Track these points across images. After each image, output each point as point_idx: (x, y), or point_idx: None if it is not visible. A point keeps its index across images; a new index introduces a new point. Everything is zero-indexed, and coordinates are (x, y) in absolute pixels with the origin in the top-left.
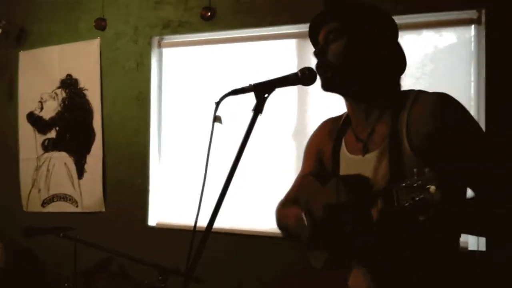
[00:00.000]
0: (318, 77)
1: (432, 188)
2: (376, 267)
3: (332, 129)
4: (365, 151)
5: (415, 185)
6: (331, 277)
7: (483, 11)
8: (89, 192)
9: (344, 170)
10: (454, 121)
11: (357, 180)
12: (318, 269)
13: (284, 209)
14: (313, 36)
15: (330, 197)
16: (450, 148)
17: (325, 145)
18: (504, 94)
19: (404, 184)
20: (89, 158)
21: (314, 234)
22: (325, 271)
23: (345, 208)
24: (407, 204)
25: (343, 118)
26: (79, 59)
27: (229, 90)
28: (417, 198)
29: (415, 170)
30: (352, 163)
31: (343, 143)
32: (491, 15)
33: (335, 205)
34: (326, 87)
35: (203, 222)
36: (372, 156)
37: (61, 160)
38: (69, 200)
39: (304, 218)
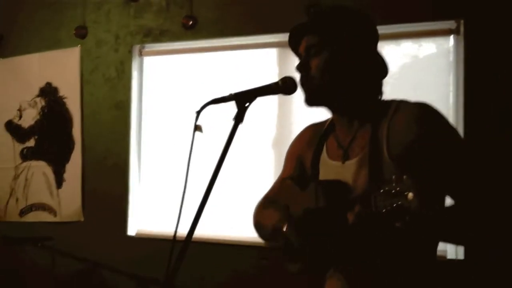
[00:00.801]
0: (299, 87)
1: (410, 195)
2: (351, 273)
3: (314, 135)
4: (345, 158)
5: (393, 191)
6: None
7: (462, 21)
8: (68, 201)
9: (323, 175)
10: (434, 130)
11: (336, 185)
12: (294, 274)
13: (263, 211)
14: (293, 46)
15: (308, 201)
16: (430, 157)
17: (306, 150)
18: (482, 104)
19: (382, 190)
20: (68, 167)
21: (291, 239)
22: (301, 276)
23: (323, 213)
24: (384, 210)
25: (328, 123)
26: (59, 67)
27: (210, 99)
28: (395, 204)
29: (393, 176)
30: (332, 169)
31: (324, 149)
32: (469, 26)
33: (313, 209)
34: (310, 102)
35: (183, 231)
36: (352, 163)
37: (40, 169)
38: (48, 209)
39: (285, 230)
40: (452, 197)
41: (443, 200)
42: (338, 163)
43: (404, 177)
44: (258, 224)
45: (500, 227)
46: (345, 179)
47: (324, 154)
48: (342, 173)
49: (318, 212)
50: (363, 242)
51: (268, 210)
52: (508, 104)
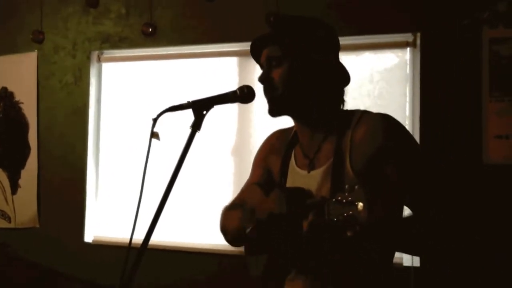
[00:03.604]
0: (257, 96)
1: (360, 205)
2: (311, 277)
3: (282, 141)
4: (311, 167)
5: (345, 201)
6: None
7: (418, 34)
8: (23, 207)
9: (291, 183)
10: (397, 142)
11: (299, 193)
12: (256, 278)
13: (229, 213)
14: (255, 56)
15: (272, 207)
16: (391, 167)
17: (274, 156)
18: (437, 114)
19: (335, 199)
20: (24, 173)
21: (254, 242)
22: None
23: (283, 219)
24: (335, 219)
25: (293, 131)
26: (15, 72)
27: (167, 106)
28: (345, 214)
29: (346, 186)
30: (299, 177)
31: (292, 156)
32: (425, 39)
33: (275, 215)
34: (273, 112)
35: (140, 238)
36: (317, 174)
37: None
38: (2, 216)
39: (241, 220)
40: (410, 207)
41: (401, 211)
42: (305, 172)
43: (356, 187)
44: (224, 227)
45: (455, 237)
46: (311, 188)
47: (292, 162)
48: (308, 182)
49: (279, 218)
50: (315, 250)
51: (234, 212)
52: (460, 115)
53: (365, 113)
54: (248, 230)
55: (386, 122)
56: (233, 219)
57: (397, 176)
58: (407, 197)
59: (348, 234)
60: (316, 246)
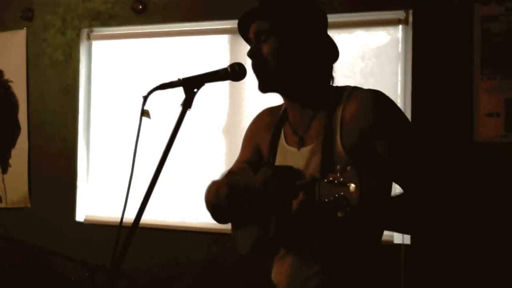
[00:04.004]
0: (247, 73)
1: (352, 186)
2: (299, 256)
3: (271, 119)
4: (301, 144)
5: (336, 181)
6: (254, 271)
7: (410, 11)
8: (13, 187)
9: (280, 161)
10: (388, 118)
11: (287, 171)
12: (244, 255)
13: (212, 183)
14: (243, 32)
15: (260, 186)
16: (382, 143)
17: (263, 135)
18: (428, 93)
19: (326, 180)
20: (14, 152)
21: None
22: (250, 260)
23: (271, 198)
24: (327, 199)
25: (283, 109)
26: (4, 50)
27: (157, 84)
28: (337, 195)
29: (338, 167)
30: (289, 154)
31: (282, 134)
32: (417, 16)
33: (263, 194)
34: (263, 88)
35: (131, 217)
36: (306, 151)
37: None
38: None
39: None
40: (400, 185)
41: (390, 189)
42: (295, 149)
43: (348, 167)
44: (206, 197)
45: (445, 215)
46: (299, 165)
47: (282, 140)
48: (297, 160)
49: (268, 197)
50: (303, 229)
51: (216, 181)
52: (452, 93)
53: (355, 89)
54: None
55: (377, 98)
56: (213, 186)
57: (388, 153)
58: (397, 173)
59: (339, 215)
60: (305, 225)
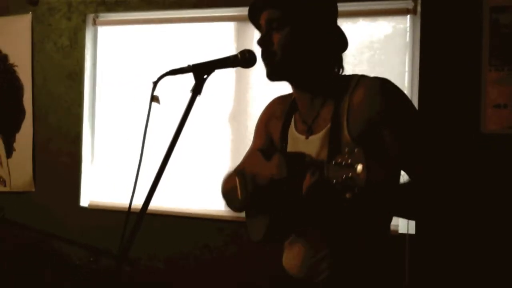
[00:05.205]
0: (257, 61)
1: (359, 167)
2: (309, 239)
3: (282, 107)
4: (309, 133)
5: (344, 163)
6: (263, 259)
7: (419, 1)
8: (18, 171)
9: (290, 148)
10: (394, 105)
11: (299, 157)
12: (256, 242)
13: (228, 177)
14: (253, 18)
15: (272, 172)
16: (390, 131)
17: (274, 123)
18: (436, 84)
19: (334, 162)
20: (19, 137)
21: (255, 205)
22: (261, 246)
23: (283, 183)
24: (335, 181)
25: (293, 97)
26: (9, 34)
27: (168, 70)
28: (344, 176)
29: (346, 149)
30: (298, 143)
31: (292, 122)
32: (426, 6)
33: (275, 180)
34: (272, 77)
35: (137, 203)
36: (314, 139)
37: None
38: None
39: (238, 187)
40: (408, 172)
41: (398, 176)
42: (303, 137)
43: (356, 149)
44: (223, 191)
45: (450, 205)
46: (310, 153)
47: (292, 127)
48: (307, 148)
49: (280, 182)
50: (314, 213)
51: (231, 176)
52: (459, 84)
53: (362, 77)
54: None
55: (384, 85)
56: (229, 182)
57: (395, 140)
58: (404, 160)
59: (347, 196)
60: (315, 209)
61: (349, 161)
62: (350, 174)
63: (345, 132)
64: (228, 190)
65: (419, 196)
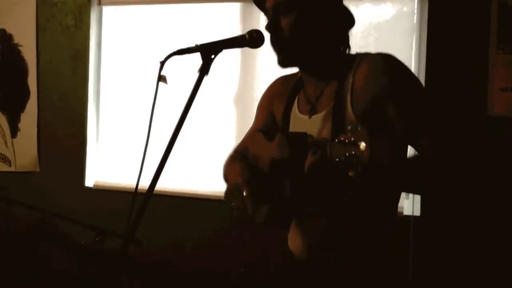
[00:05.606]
0: (265, 40)
1: (362, 144)
2: (310, 227)
3: (285, 87)
4: (312, 112)
5: (347, 141)
6: (268, 240)
7: None
8: (23, 151)
9: (293, 128)
10: (398, 80)
11: (301, 137)
12: (260, 224)
13: (231, 164)
14: (259, 1)
15: (274, 152)
16: (394, 106)
17: (277, 103)
18: (444, 67)
19: (337, 140)
20: (24, 117)
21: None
22: (267, 227)
23: (286, 163)
24: (338, 159)
25: (298, 77)
26: (14, 14)
27: (175, 49)
28: (347, 154)
29: (349, 127)
30: (301, 123)
31: (295, 102)
32: None
33: (278, 160)
34: (284, 63)
35: (144, 184)
36: (317, 118)
37: None
38: (2, 159)
39: (244, 193)
40: (414, 145)
41: (405, 151)
42: (306, 117)
43: (359, 127)
44: (226, 178)
45: (455, 186)
46: (311, 133)
47: (294, 108)
48: (309, 128)
49: (282, 163)
50: (319, 192)
51: (235, 165)
52: (467, 66)
53: (365, 55)
54: (244, 191)
55: (388, 61)
56: (233, 174)
57: (400, 114)
58: (410, 134)
59: (351, 174)
60: (320, 188)
61: (352, 139)
62: (353, 152)
63: (349, 110)
64: (230, 178)
65: (427, 168)
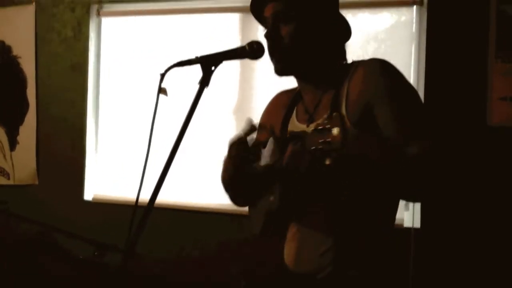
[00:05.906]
0: (265, 52)
1: (335, 130)
2: (302, 235)
3: (285, 101)
4: (310, 121)
5: (322, 128)
6: (266, 253)
7: None
8: (22, 164)
9: None
10: (391, 82)
11: (291, 140)
12: (257, 235)
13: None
14: (256, 11)
15: (267, 157)
16: (386, 107)
17: (276, 116)
18: (442, 75)
19: (314, 129)
20: (22, 130)
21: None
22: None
23: (278, 167)
24: (313, 147)
25: (297, 91)
26: (12, 25)
27: (175, 61)
28: (321, 141)
29: (324, 115)
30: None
31: (294, 112)
32: None
33: (270, 164)
34: (282, 72)
35: (144, 197)
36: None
37: None
38: (1, 172)
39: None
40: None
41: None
42: (304, 126)
43: (334, 114)
44: (223, 181)
45: (456, 190)
46: None
47: (293, 118)
48: None
49: (275, 168)
50: (312, 190)
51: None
52: (466, 76)
53: (361, 61)
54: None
55: (383, 65)
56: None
57: (393, 118)
58: (401, 137)
59: (327, 163)
60: (311, 186)
61: (327, 126)
62: (329, 138)
63: (344, 117)
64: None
65: (418, 170)
